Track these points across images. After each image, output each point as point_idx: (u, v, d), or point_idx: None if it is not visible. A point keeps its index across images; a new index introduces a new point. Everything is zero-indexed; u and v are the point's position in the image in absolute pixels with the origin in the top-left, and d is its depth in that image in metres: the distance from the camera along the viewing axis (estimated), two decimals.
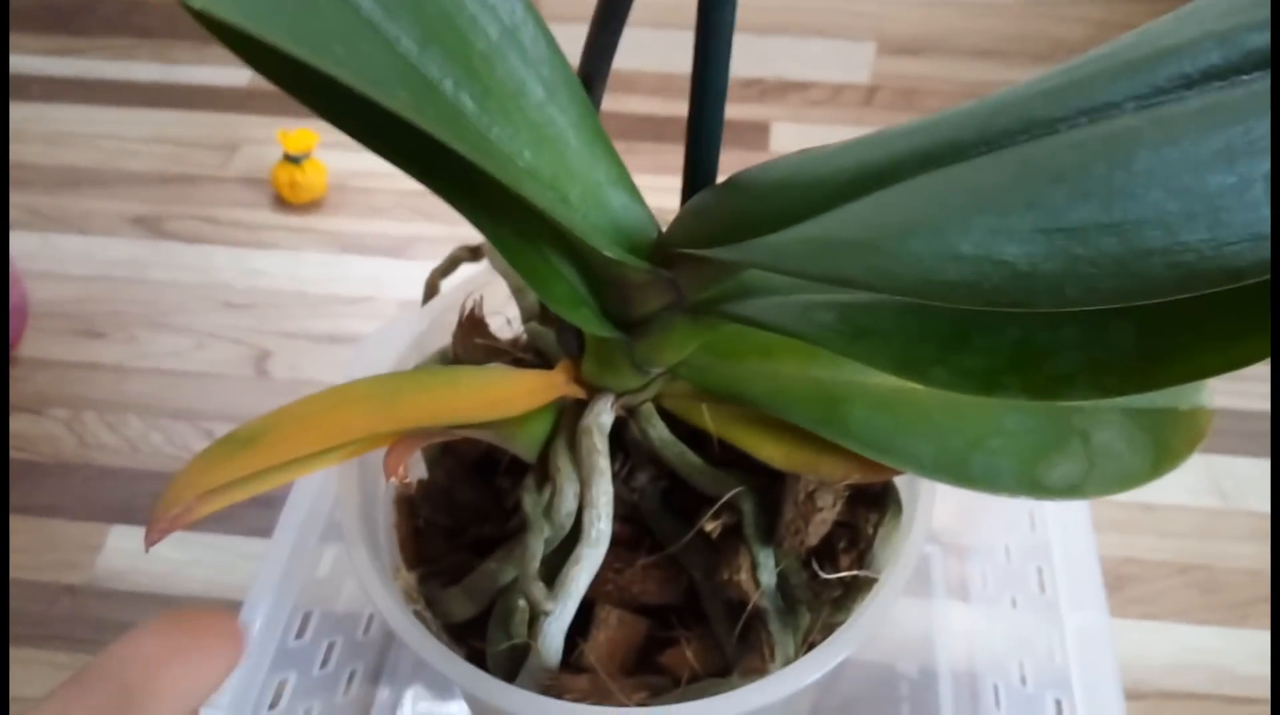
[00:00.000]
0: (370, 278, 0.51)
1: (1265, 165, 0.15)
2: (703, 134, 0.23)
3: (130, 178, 0.56)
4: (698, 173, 0.24)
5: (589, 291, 0.23)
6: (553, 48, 0.21)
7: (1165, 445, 0.26)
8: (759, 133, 0.57)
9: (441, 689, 0.37)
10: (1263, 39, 0.17)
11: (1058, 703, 0.31)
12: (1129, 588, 0.40)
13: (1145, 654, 0.38)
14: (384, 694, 0.36)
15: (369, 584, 0.24)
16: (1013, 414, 0.26)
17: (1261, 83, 0.16)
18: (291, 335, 0.48)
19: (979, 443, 0.25)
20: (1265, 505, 0.42)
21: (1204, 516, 0.42)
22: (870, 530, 0.24)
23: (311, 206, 0.54)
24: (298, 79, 0.17)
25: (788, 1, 0.55)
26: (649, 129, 0.55)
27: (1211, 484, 0.43)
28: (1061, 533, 0.33)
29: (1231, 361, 0.19)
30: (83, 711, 0.19)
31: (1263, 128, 0.15)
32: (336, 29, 0.17)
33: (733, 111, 0.61)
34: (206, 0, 0.14)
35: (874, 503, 0.26)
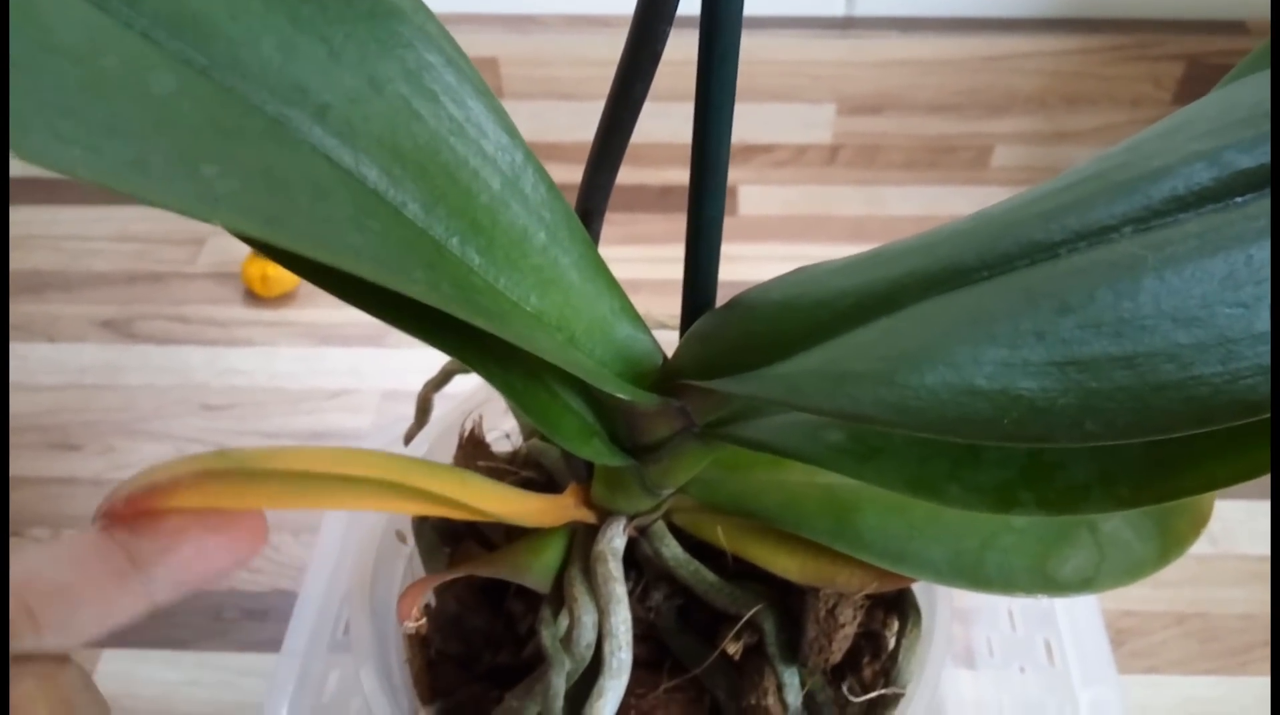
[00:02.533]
0: (349, 369, 0.50)
1: (1266, 292, 0.15)
2: (700, 260, 0.23)
3: (96, 279, 0.55)
4: (697, 297, 0.24)
5: (599, 421, 0.23)
6: (552, 191, 0.21)
7: (1171, 530, 0.26)
8: (728, 196, 0.58)
9: None
10: (1251, 160, 0.17)
11: None
12: (1130, 642, 0.40)
13: (1151, 709, 0.38)
14: None
15: None
16: None
17: (1257, 205, 0.17)
18: (273, 435, 0.47)
19: (992, 541, 0.25)
20: (1254, 547, 0.43)
21: (1196, 563, 0.42)
22: (892, 640, 0.25)
23: (284, 299, 0.53)
24: (317, 268, 0.17)
25: (747, 69, 0.56)
26: (633, 200, 0.55)
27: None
28: (1067, 601, 0.34)
29: (1246, 471, 0.19)
30: None
31: (1263, 255, 0.16)
32: (347, 210, 0.17)
33: None
34: (225, 217, 0.13)
35: (892, 607, 0.26)
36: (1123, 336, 0.16)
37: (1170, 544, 0.26)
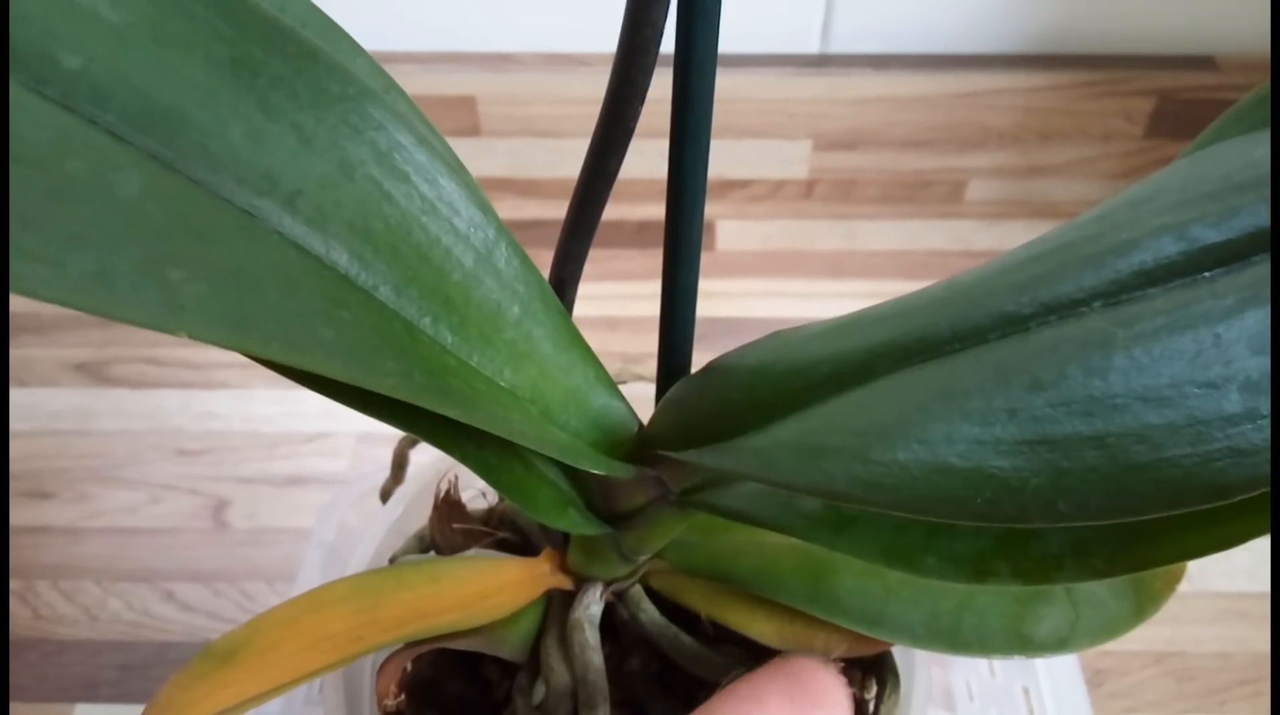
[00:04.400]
0: (324, 412, 0.50)
1: (1239, 374, 0.15)
2: (675, 327, 0.23)
3: (68, 321, 0.54)
4: (672, 361, 0.24)
5: (575, 491, 0.23)
6: (526, 264, 0.21)
7: (1146, 588, 0.27)
8: (706, 231, 0.58)
9: None
10: (1218, 234, 0.17)
11: None
12: (1109, 683, 0.40)
13: None
14: None
15: None
16: None
17: (1224, 282, 0.17)
18: (249, 480, 0.47)
19: (968, 603, 0.25)
20: (1229, 585, 0.43)
21: (1172, 602, 0.43)
22: (871, 704, 0.25)
23: None
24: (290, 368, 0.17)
25: (724, 107, 0.56)
26: (616, 236, 0.56)
27: None
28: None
29: (1220, 543, 0.19)
30: None
31: (1230, 334, 0.16)
32: (318, 303, 0.16)
33: None
34: (191, 327, 0.13)
35: (870, 669, 0.26)
36: (1094, 416, 0.16)
37: (1145, 602, 0.26)
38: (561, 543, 0.25)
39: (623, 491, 0.23)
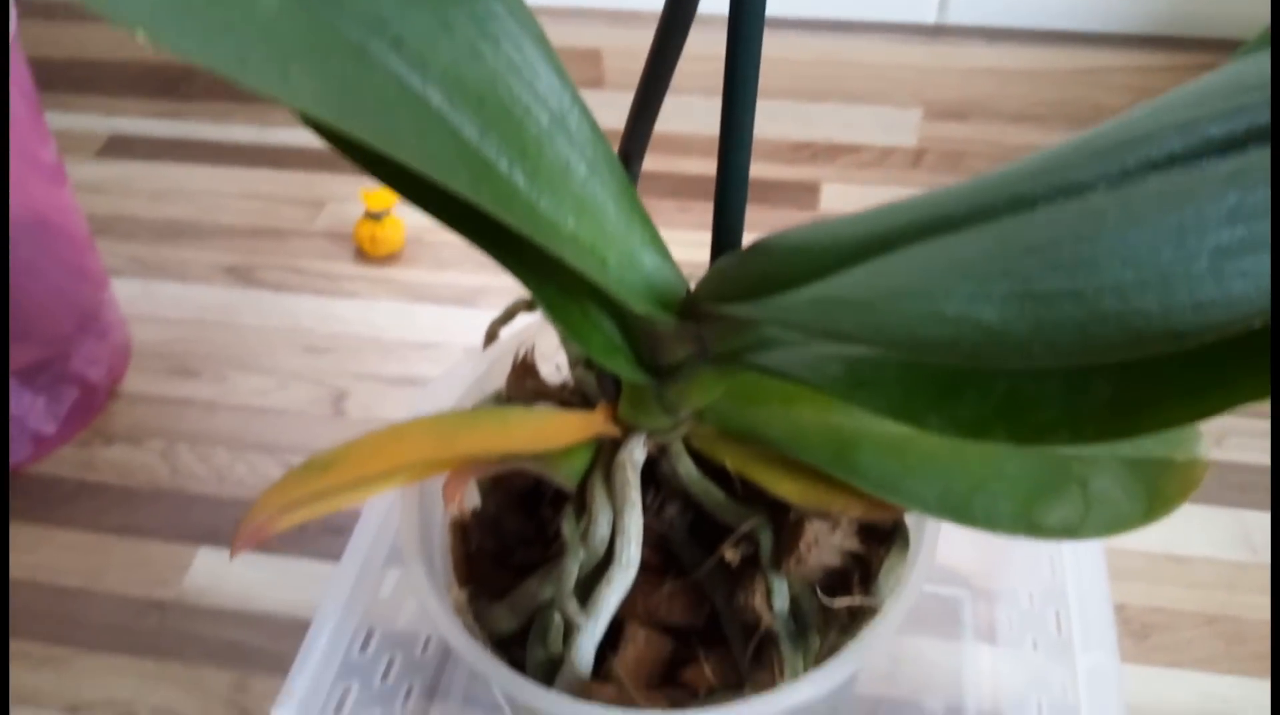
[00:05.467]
0: (439, 326, 0.54)
1: (1211, 242, 0.17)
2: (728, 203, 0.26)
3: (224, 231, 0.61)
4: (723, 237, 0.27)
5: (624, 341, 0.26)
6: (595, 132, 0.24)
7: (1159, 493, 0.28)
8: (810, 193, 0.60)
9: (493, 708, 0.39)
10: (1219, 130, 0.19)
11: None
12: (1155, 636, 0.41)
13: (1169, 701, 0.39)
14: (439, 710, 0.39)
15: (424, 595, 0.27)
16: (1015, 461, 0.28)
17: (1217, 166, 0.19)
18: (366, 377, 0.52)
19: (981, 486, 0.27)
20: None
21: (1233, 569, 0.43)
22: (878, 563, 0.27)
23: (389, 259, 0.58)
24: (373, 160, 0.20)
25: (835, 70, 0.58)
26: (700, 188, 0.58)
27: (1242, 537, 0.44)
28: (1077, 578, 0.35)
29: (1195, 414, 0.21)
30: None
31: (1212, 207, 0.18)
32: (411, 122, 0.20)
33: (784, 173, 0.64)
34: (301, 102, 0.17)
35: (884, 539, 0.28)
36: (1076, 274, 0.18)
37: (1156, 504, 0.28)
38: (614, 397, 0.28)
39: (666, 344, 0.26)
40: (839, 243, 0.24)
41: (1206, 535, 0.44)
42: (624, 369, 0.26)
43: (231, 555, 0.26)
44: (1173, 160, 0.20)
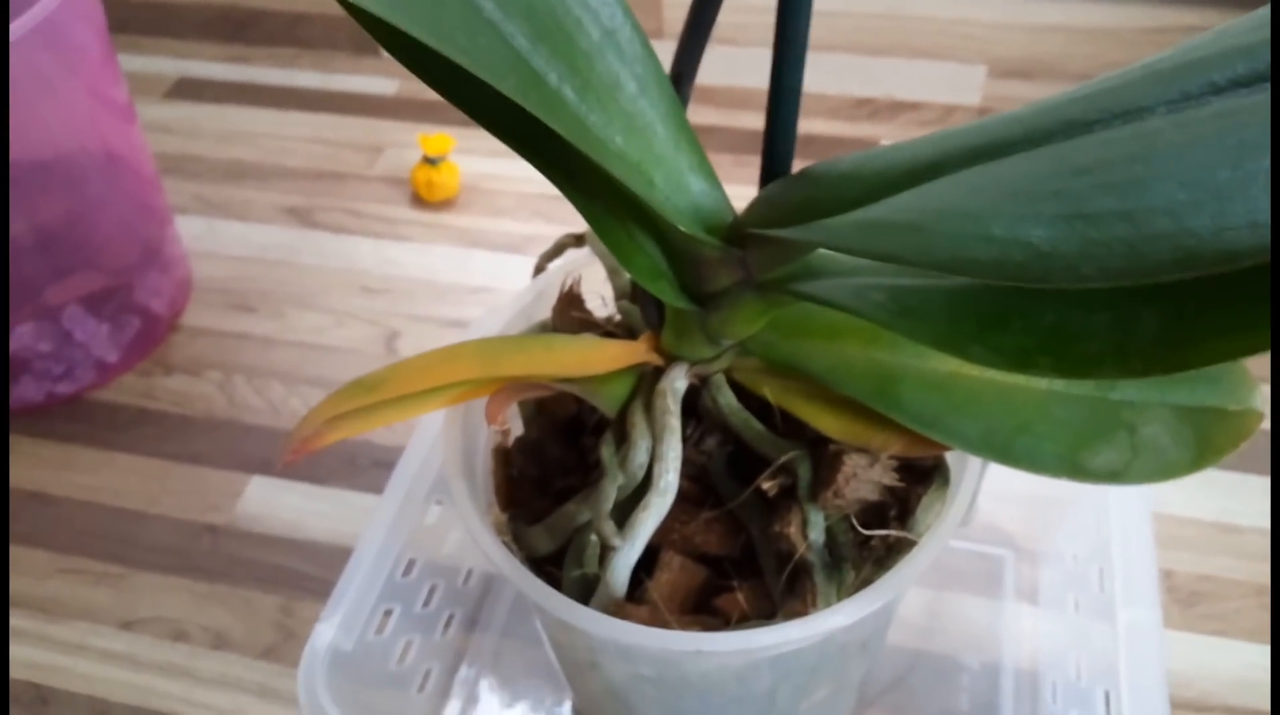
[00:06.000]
0: (491, 271, 0.55)
1: (1267, 162, 0.17)
2: (778, 128, 0.26)
3: (286, 173, 0.62)
4: (773, 164, 0.26)
5: (668, 266, 0.26)
6: (646, 49, 0.24)
7: (1209, 442, 0.27)
8: (870, 148, 0.59)
9: (532, 641, 0.40)
10: None
11: (1106, 694, 0.32)
12: (1202, 604, 0.40)
13: (1213, 668, 0.38)
14: (479, 640, 0.40)
15: (465, 513, 0.27)
16: (1062, 404, 0.28)
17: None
18: (419, 318, 0.53)
19: (1026, 427, 0.27)
20: None
21: None
22: (916, 500, 0.27)
23: (444, 205, 0.59)
24: (424, 63, 0.20)
25: (898, 25, 0.57)
26: (758, 143, 0.58)
27: None
28: (1123, 537, 0.34)
29: (1245, 348, 0.21)
30: None
31: (1268, 129, 0.17)
32: (461, 24, 0.20)
33: (843, 129, 0.63)
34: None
35: (923, 477, 0.28)
36: (1128, 194, 0.18)
37: (1206, 452, 0.27)
38: (658, 325, 0.28)
39: (710, 270, 0.26)
40: (888, 169, 0.23)
41: (1260, 506, 0.43)
42: (667, 294, 0.26)
43: (280, 465, 0.27)
44: (1235, 84, 0.19)
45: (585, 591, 0.26)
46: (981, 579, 0.41)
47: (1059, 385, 0.28)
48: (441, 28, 0.19)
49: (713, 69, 0.60)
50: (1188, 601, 0.40)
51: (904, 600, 0.41)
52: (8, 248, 0.45)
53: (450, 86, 0.21)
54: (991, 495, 0.39)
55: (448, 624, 0.39)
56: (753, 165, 0.60)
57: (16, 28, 0.40)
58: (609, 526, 0.26)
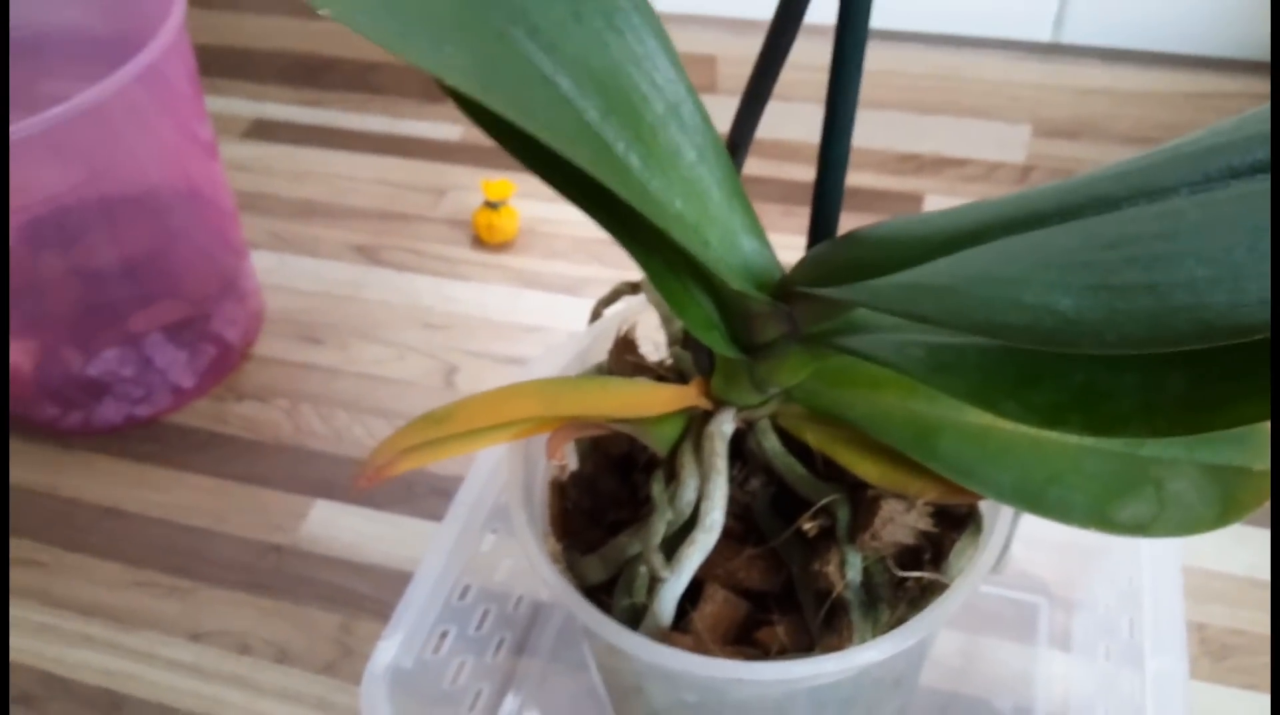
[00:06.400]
0: (546, 310, 0.57)
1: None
2: (826, 195, 0.28)
3: (354, 212, 0.65)
4: (820, 228, 0.28)
5: (720, 318, 0.28)
6: (706, 121, 0.26)
7: (1234, 499, 0.28)
8: (913, 203, 0.61)
9: (577, 667, 0.42)
10: None
11: None
12: (1233, 657, 0.41)
13: None
14: (526, 664, 0.42)
15: (524, 541, 0.29)
16: (1093, 458, 0.29)
17: None
18: (476, 354, 0.55)
19: (1057, 478, 0.28)
20: None
21: None
22: (949, 545, 0.28)
23: (503, 247, 0.61)
24: (504, 132, 0.23)
25: (948, 84, 0.59)
26: (806, 194, 0.60)
27: None
28: (1154, 587, 0.36)
29: (1263, 413, 0.22)
30: None
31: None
32: (540, 100, 0.22)
33: (888, 183, 0.66)
34: (451, 76, 0.19)
35: (958, 524, 0.29)
36: (1153, 269, 0.20)
37: (1231, 509, 0.28)
38: (708, 372, 0.30)
39: (759, 323, 0.28)
40: (929, 235, 0.25)
41: None
42: (718, 344, 0.28)
43: (355, 487, 0.29)
44: (1254, 169, 0.21)
45: (634, 619, 0.28)
46: (1016, 624, 0.43)
47: (1089, 440, 0.29)
48: (527, 105, 0.21)
49: (763, 123, 0.62)
50: (1219, 654, 0.41)
51: (939, 643, 0.42)
52: (8, 258, 0.47)
53: (530, 156, 0.23)
54: (1026, 541, 0.40)
55: (498, 648, 0.41)
56: (800, 215, 0.62)
57: (123, 74, 0.43)
58: (658, 559, 0.28)
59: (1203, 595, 0.43)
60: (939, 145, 0.61)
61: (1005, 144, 0.60)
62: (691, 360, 0.32)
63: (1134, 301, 0.19)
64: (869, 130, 0.52)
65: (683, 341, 0.33)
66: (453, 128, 0.70)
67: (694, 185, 0.27)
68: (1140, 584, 0.36)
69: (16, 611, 0.46)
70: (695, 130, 0.26)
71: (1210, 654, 0.41)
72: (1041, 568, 0.44)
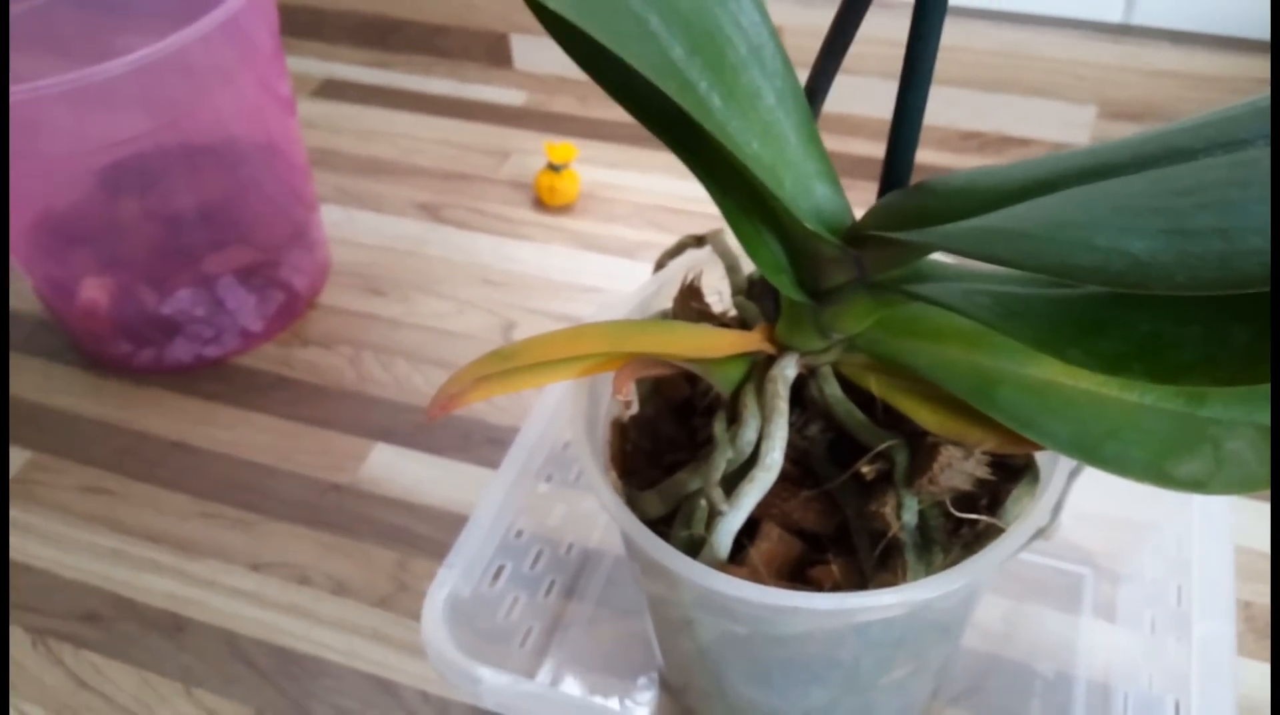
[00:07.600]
0: (604, 272, 0.58)
1: None
2: (900, 143, 0.28)
3: (419, 171, 0.66)
4: (892, 176, 0.29)
5: (789, 262, 0.29)
6: (786, 65, 0.27)
7: None
8: None
9: (623, 609, 0.43)
10: None
11: (1176, 702, 0.33)
12: None
13: None
14: (575, 607, 0.43)
15: (588, 470, 0.30)
16: (1152, 416, 0.29)
17: None
18: (534, 312, 0.56)
19: (1116, 432, 0.29)
20: None
21: None
22: (1005, 494, 0.29)
23: (564, 209, 0.62)
24: (595, 66, 0.24)
25: (1014, 62, 0.59)
26: (869, 169, 0.60)
27: None
28: (1203, 556, 0.36)
29: None
30: None
31: None
32: (632, 32, 0.23)
33: (949, 160, 0.65)
34: (561, 6, 0.20)
35: (1015, 474, 0.30)
36: (1226, 214, 0.20)
37: None
38: (773, 318, 0.31)
39: (827, 267, 0.28)
40: (1001, 184, 0.26)
41: None
42: (786, 287, 0.28)
43: (429, 417, 0.30)
44: None
45: (691, 551, 0.29)
46: (1060, 593, 0.43)
47: (1149, 399, 0.29)
48: (618, 34, 0.22)
49: (831, 96, 0.63)
50: (1264, 631, 0.41)
51: (983, 608, 0.42)
52: (8, 232, 0.49)
53: (618, 89, 0.24)
54: (1075, 514, 0.40)
55: (549, 589, 0.42)
56: (862, 189, 0.63)
57: (206, 23, 0.45)
58: (718, 493, 0.28)
59: (1251, 575, 0.43)
60: (1002, 124, 0.61)
61: (1070, 124, 0.60)
62: (756, 308, 0.32)
63: (1205, 244, 0.20)
64: (932, 106, 0.52)
65: (746, 291, 0.34)
66: (517, 93, 0.71)
67: (772, 128, 0.27)
68: (1190, 554, 0.36)
69: (86, 536, 0.47)
70: (776, 74, 0.27)
71: (1256, 631, 0.41)
72: (1088, 539, 0.44)
